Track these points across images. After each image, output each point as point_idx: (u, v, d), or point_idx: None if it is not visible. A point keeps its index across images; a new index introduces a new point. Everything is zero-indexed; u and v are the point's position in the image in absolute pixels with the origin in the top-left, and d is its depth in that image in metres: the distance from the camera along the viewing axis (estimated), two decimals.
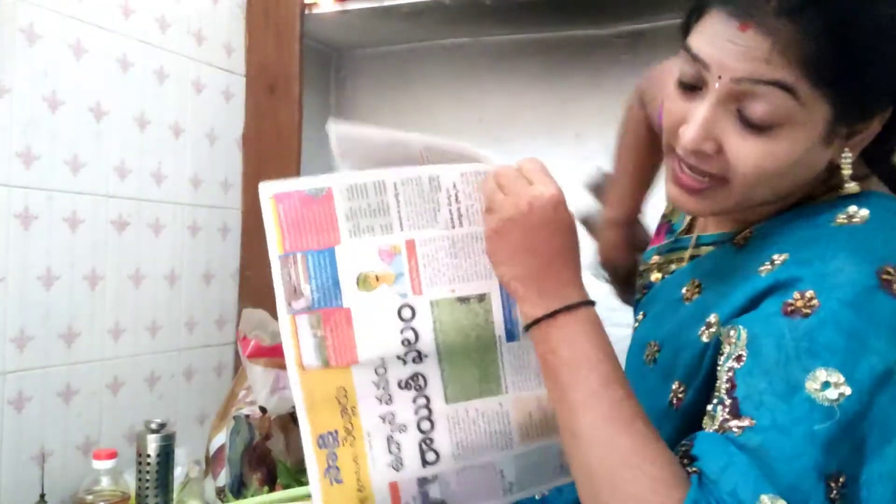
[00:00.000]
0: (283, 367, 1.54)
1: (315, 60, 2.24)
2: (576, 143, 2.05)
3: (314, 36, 2.14)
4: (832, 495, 0.57)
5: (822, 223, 0.70)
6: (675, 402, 0.75)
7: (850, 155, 0.70)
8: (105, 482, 1.42)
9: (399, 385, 0.74)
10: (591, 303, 0.70)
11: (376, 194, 0.73)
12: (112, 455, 1.43)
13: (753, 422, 0.60)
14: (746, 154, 0.68)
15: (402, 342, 0.73)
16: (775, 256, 0.69)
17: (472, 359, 0.75)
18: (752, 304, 0.68)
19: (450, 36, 2.15)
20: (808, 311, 0.62)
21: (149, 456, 1.46)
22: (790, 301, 0.64)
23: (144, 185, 1.74)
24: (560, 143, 2.06)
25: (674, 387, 0.76)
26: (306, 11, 1.96)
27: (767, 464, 0.58)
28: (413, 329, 0.73)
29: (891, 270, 0.62)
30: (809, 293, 0.63)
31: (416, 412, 0.75)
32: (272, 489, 1.54)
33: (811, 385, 0.59)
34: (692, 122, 0.69)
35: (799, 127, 0.66)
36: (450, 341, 0.74)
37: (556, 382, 0.67)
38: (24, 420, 1.49)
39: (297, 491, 1.51)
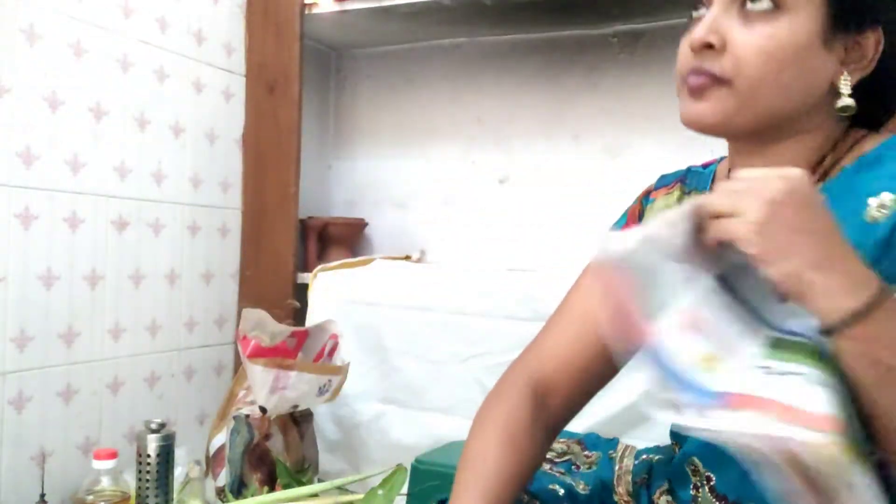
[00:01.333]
0: (282, 367, 1.54)
1: (315, 60, 2.24)
2: (573, 142, 2.05)
3: (314, 36, 2.14)
4: None
5: (892, 160, 0.73)
6: None
7: (849, 78, 0.75)
8: (105, 482, 1.42)
9: None
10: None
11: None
12: (112, 455, 1.43)
13: None
14: (750, 40, 0.72)
15: None
16: (874, 199, 0.69)
17: None
18: (885, 249, 0.66)
19: (449, 36, 2.16)
20: None
21: (149, 456, 1.46)
22: None
23: (144, 185, 1.74)
24: (558, 143, 2.07)
25: None
26: (306, 11, 1.96)
27: None
28: None
29: None
30: None
31: None
32: (272, 489, 1.54)
33: None
34: (700, 23, 0.75)
35: (796, 15, 0.72)
36: None
37: None
38: (24, 420, 1.49)
39: (297, 491, 1.51)
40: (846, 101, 0.74)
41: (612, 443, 1.08)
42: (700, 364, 0.63)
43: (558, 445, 1.06)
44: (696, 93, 0.75)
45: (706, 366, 0.63)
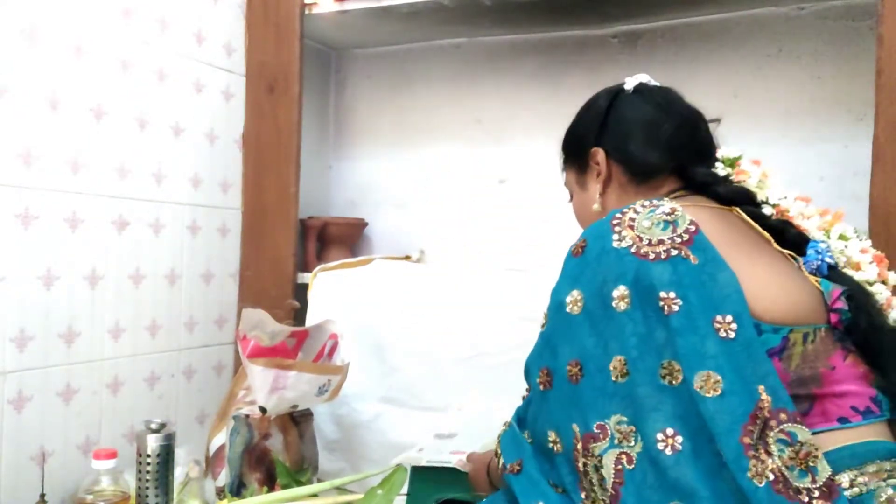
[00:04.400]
0: (281, 366, 1.54)
1: (315, 60, 2.24)
2: None
3: (314, 36, 2.14)
4: (541, 380, 1.00)
5: None
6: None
7: (597, 186, 1.17)
8: (105, 482, 1.43)
9: None
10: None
11: None
12: (112, 455, 1.43)
13: None
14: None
15: None
16: None
17: None
18: None
19: (448, 36, 2.16)
20: None
21: (149, 456, 1.46)
22: None
23: (144, 185, 1.74)
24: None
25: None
26: (306, 11, 1.96)
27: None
28: None
29: (580, 243, 0.99)
30: None
31: None
32: (272, 489, 1.54)
33: (542, 321, 1.03)
34: None
35: (573, 189, 1.25)
36: None
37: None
38: (24, 420, 1.49)
39: (297, 491, 1.51)
40: (595, 206, 1.15)
41: None
42: None
43: None
44: None
45: None
